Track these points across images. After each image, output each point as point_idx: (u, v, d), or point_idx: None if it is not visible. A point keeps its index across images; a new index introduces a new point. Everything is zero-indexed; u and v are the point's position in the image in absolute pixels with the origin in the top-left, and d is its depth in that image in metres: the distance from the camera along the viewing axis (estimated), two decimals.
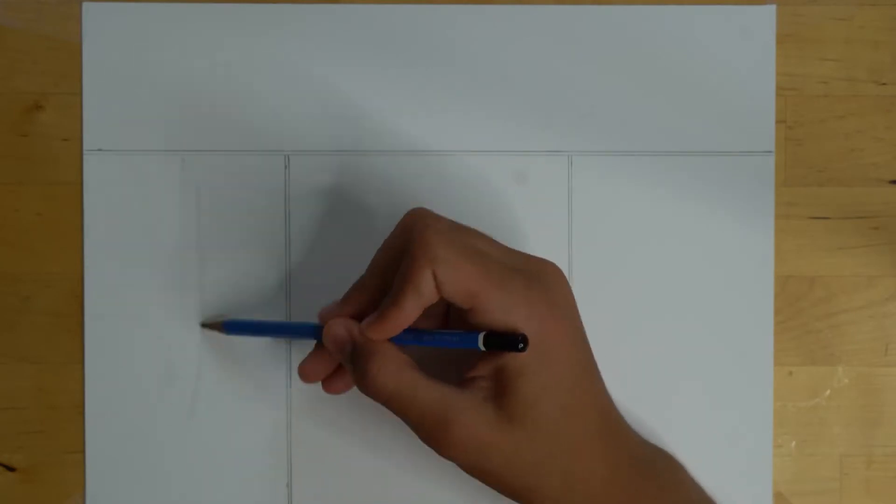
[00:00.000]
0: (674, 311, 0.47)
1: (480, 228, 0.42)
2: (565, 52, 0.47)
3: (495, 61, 0.47)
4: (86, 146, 0.48)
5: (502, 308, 0.40)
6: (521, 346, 0.39)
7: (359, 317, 0.42)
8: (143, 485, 0.47)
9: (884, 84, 0.47)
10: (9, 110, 0.48)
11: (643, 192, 0.47)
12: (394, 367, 0.40)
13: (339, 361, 0.43)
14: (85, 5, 0.47)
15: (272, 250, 0.47)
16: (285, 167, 0.47)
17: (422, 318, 0.41)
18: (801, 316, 0.47)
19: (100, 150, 0.48)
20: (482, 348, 0.39)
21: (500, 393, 0.40)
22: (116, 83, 0.47)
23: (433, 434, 0.40)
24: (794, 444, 0.48)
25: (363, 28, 0.47)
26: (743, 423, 0.47)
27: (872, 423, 0.48)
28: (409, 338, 0.41)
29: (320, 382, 0.44)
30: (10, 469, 0.48)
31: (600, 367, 0.43)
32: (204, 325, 0.47)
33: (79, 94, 0.47)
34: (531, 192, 0.48)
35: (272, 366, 0.48)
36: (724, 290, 0.47)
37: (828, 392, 0.48)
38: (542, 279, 0.41)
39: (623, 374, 0.47)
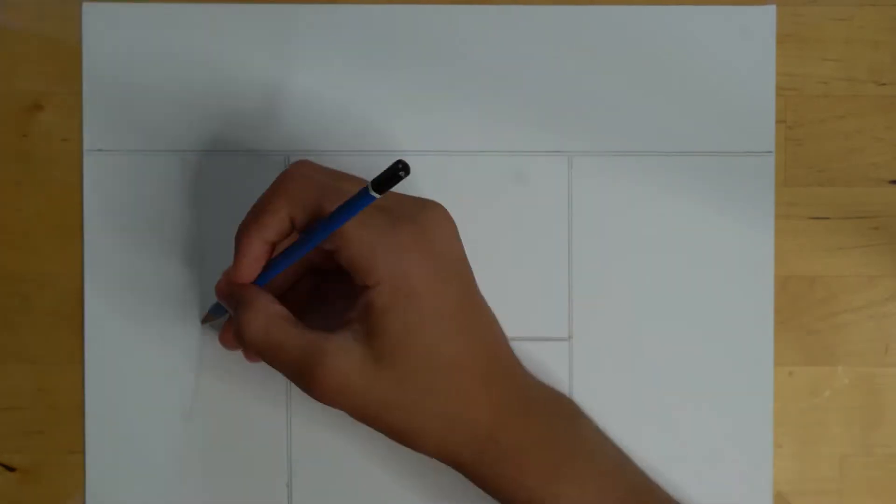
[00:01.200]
0: (674, 311, 0.47)
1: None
2: (565, 52, 0.47)
3: (495, 61, 0.47)
4: (86, 146, 0.48)
5: (363, 243, 0.39)
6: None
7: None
8: (143, 485, 0.47)
9: (884, 84, 0.47)
10: (9, 110, 0.48)
11: (643, 192, 0.47)
12: (263, 318, 0.40)
13: None
14: (85, 5, 0.47)
15: None
16: (285, 167, 0.47)
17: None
18: (801, 316, 0.47)
19: (100, 150, 0.48)
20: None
21: (369, 333, 0.39)
22: (116, 83, 0.47)
23: (303, 379, 0.40)
24: (794, 444, 0.48)
25: (363, 28, 0.47)
26: (743, 424, 0.47)
27: (872, 423, 0.48)
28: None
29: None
30: (10, 469, 0.48)
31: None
32: (204, 322, 0.47)
33: (79, 94, 0.47)
34: (531, 192, 0.48)
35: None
36: (724, 290, 0.47)
37: (828, 392, 0.48)
38: (416, 218, 0.40)
39: (623, 373, 0.47)
